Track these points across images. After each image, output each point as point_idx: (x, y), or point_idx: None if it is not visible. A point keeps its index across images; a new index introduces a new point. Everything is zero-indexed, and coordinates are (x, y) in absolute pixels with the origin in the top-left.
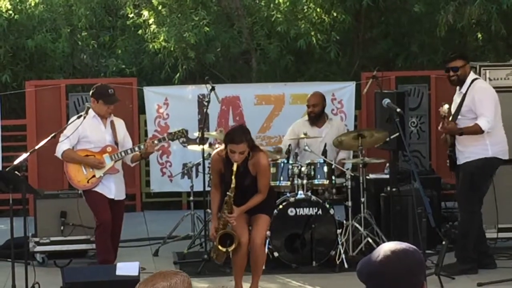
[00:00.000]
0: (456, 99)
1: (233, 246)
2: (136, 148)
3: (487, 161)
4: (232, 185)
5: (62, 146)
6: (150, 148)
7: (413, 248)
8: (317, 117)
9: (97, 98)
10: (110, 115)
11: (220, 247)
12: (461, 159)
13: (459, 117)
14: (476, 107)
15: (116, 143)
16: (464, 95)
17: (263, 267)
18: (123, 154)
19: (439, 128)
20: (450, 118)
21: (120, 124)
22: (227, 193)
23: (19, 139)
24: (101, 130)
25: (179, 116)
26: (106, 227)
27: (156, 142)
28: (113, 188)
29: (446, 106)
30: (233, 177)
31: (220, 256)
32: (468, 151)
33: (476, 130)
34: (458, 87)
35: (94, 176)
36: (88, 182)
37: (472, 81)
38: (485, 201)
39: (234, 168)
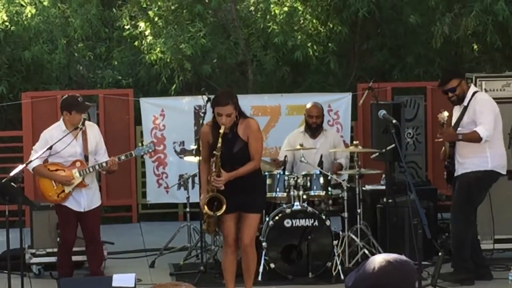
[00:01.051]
0: (456, 110)
1: (222, 210)
2: (104, 164)
3: (485, 174)
4: (219, 145)
5: (33, 162)
6: (112, 166)
7: (406, 259)
8: (318, 128)
9: (70, 110)
10: (83, 124)
11: (207, 209)
12: (460, 170)
13: (459, 128)
14: (477, 117)
15: (86, 156)
16: (466, 107)
17: (259, 278)
18: (91, 169)
19: (437, 135)
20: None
21: (92, 131)
22: (214, 152)
23: (15, 150)
24: (72, 144)
25: (175, 127)
26: (68, 247)
27: (123, 157)
28: (83, 201)
29: (445, 113)
30: (219, 138)
31: (210, 225)
32: (468, 162)
33: (475, 137)
34: None
35: (63, 191)
36: (58, 197)
37: (473, 94)
38: (481, 212)
39: (221, 130)
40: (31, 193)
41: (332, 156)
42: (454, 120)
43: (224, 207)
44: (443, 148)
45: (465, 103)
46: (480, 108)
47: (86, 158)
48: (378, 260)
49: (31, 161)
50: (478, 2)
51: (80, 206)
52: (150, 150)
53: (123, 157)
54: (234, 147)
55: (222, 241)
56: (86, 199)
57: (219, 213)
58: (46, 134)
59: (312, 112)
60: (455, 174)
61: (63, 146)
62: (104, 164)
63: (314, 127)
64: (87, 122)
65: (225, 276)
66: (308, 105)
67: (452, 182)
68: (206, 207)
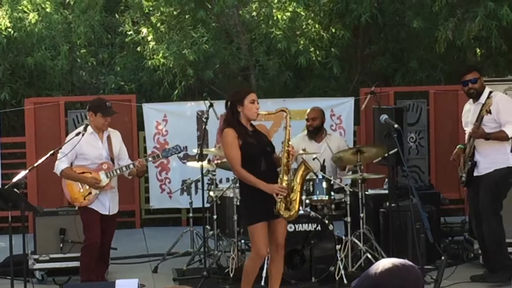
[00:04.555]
0: (472, 109)
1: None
2: (132, 166)
3: (509, 170)
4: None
5: (61, 165)
6: (141, 167)
7: (412, 264)
8: (315, 131)
9: (95, 111)
10: (107, 128)
11: (308, 167)
12: (482, 169)
13: (481, 126)
14: (500, 116)
15: (112, 159)
16: (484, 104)
17: (262, 283)
18: (118, 171)
19: (470, 132)
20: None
21: (116, 136)
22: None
23: (18, 156)
24: (98, 146)
25: (178, 133)
26: (93, 248)
27: (150, 159)
28: (107, 204)
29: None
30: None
31: (295, 204)
32: (489, 161)
33: (503, 137)
34: (472, 100)
35: (90, 193)
36: (84, 199)
37: (490, 92)
38: None
39: (263, 112)
40: (34, 199)
41: None
42: (468, 119)
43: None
44: (457, 149)
45: (481, 101)
46: (504, 106)
47: (112, 161)
48: (383, 263)
49: (33, 167)
50: (482, 7)
51: (105, 208)
52: (177, 152)
53: (150, 159)
54: (264, 138)
55: (228, 246)
56: (111, 203)
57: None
58: (71, 135)
59: (308, 115)
60: (476, 174)
61: (87, 147)
62: (131, 166)
63: (311, 130)
64: (110, 129)
65: (247, 280)
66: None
67: (471, 183)
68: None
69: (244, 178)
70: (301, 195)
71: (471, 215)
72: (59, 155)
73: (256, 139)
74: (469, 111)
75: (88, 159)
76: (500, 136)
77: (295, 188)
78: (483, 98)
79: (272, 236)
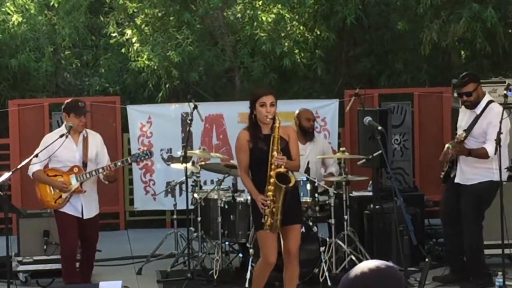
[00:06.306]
0: (468, 115)
1: (292, 182)
2: (101, 170)
3: (493, 183)
4: (276, 128)
5: (33, 167)
6: (108, 172)
7: (391, 265)
8: (313, 132)
9: (68, 112)
10: (83, 129)
11: (278, 183)
12: (463, 179)
13: (469, 137)
14: (489, 131)
15: (85, 163)
16: (478, 116)
17: (246, 285)
18: (88, 175)
19: (450, 146)
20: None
21: (94, 139)
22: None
23: (2, 158)
24: (72, 148)
25: (162, 135)
26: (71, 253)
27: (119, 164)
28: (80, 208)
29: (463, 134)
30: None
31: (276, 215)
32: (473, 172)
33: (483, 154)
34: None
35: (60, 196)
36: (55, 202)
37: (488, 103)
38: None
39: (270, 116)
40: (18, 201)
41: (320, 163)
42: (462, 123)
43: (293, 180)
44: (446, 149)
45: (477, 111)
46: (495, 124)
47: (85, 164)
48: (361, 266)
49: (16, 169)
50: (467, 9)
51: (78, 211)
52: (147, 157)
53: (119, 163)
54: (280, 144)
55: (212, 248)
56: (86, 207)
57: (291, 184)
58: (46, 138)
59: (310, 115)
60: (456, 180)
61: (61, 149)
62: (100, 170)
63: (311, 131)
64: (89, 131)
65: (256, 286)
66: (301, 110)
67: (448, 183)
68: (276, 181)
69: (244, 182)
70: (282, 211)
71: (445, 217)
72: (34, 158)
73: (267, 144)
74: (465, 115)
75: (61, 161)
76: (481, 153)
77: (277, 206)
78: (479, 109)
79: (284, 243)
